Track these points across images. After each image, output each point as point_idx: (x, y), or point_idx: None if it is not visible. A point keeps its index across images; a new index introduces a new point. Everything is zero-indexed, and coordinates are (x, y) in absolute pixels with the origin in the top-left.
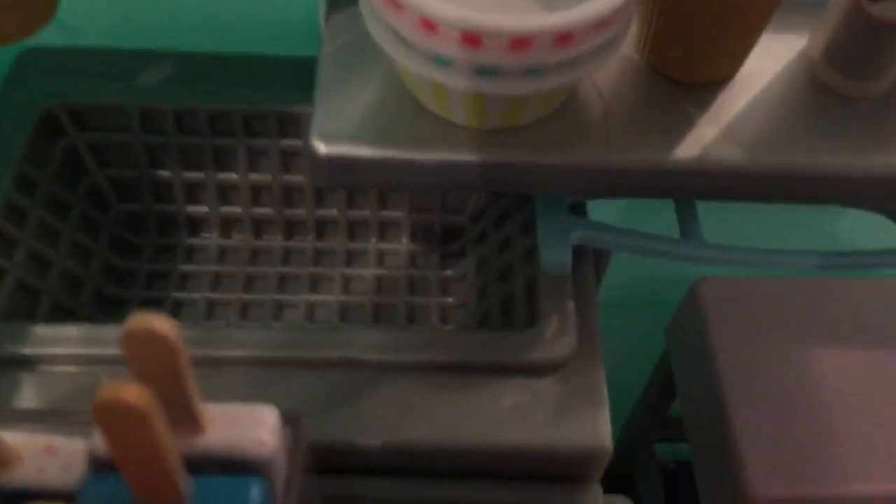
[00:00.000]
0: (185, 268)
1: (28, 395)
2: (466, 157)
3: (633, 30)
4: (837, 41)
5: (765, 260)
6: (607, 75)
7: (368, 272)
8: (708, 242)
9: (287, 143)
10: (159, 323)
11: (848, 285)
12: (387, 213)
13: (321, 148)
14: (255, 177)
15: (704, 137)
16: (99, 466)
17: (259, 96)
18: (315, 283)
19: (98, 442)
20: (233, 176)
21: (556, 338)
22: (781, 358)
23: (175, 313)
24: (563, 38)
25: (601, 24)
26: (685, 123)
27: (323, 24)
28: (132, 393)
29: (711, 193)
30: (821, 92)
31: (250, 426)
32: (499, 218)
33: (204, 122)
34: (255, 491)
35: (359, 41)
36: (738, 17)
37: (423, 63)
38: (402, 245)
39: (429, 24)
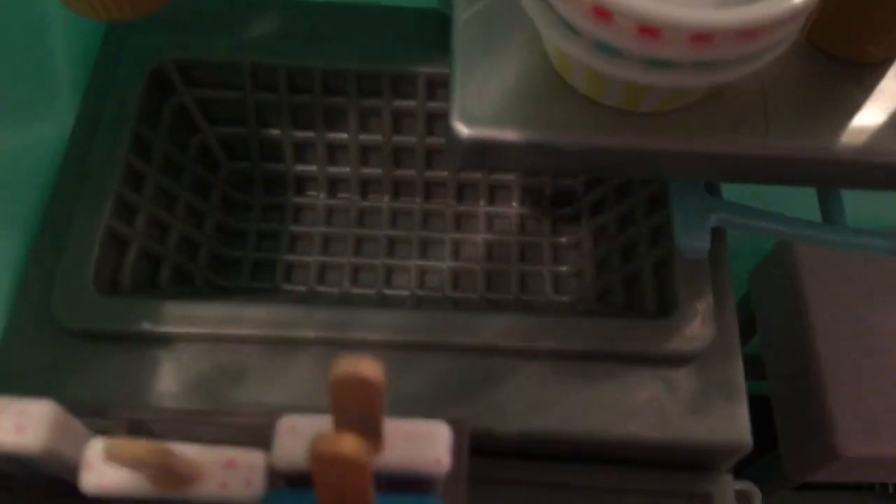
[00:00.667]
0: (294, 228)
1: (167, 375)
2: (617, 142)
3: None
4: None
5: None
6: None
7: (478, 237)
8: (853, 228)
9: (399, 103)
10: (367, 367)
11: None
12: (496, 177)
13: (463, 130)
14: (364, 137)
15: (872, 124)
16: (279, 480)
17: (373, 52)
18: (424, 248)
19: (279, 455)
20: (343, 136)
21: (696, 329)
22: (872, 316)
23: (287, 276)
24: (748, 34)
25: (786, 20)
26: (851, 108)
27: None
28: (350, 445)
29: (880, 184)
30: None
31: (427, 445)
32: (620, 188)
33: (317, 80)
34: None
35: (497, 5)
36: None
37: (587, 51)
38: (513, 209)
39: (602, 13)
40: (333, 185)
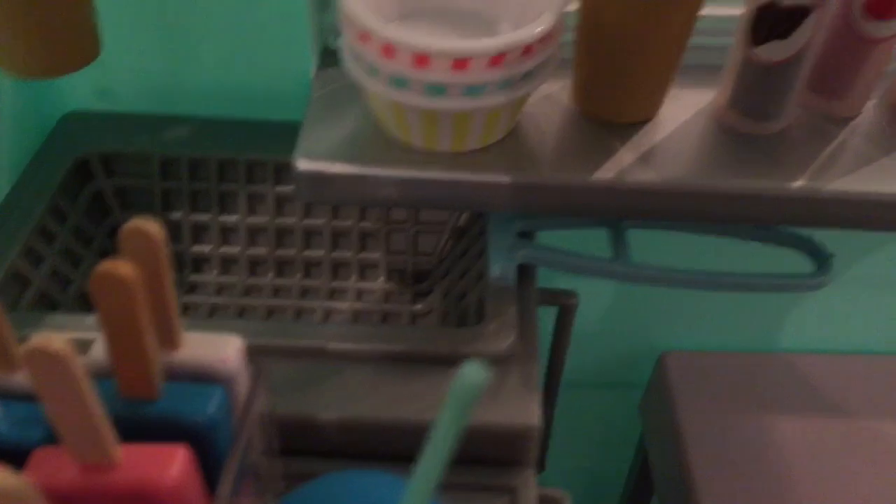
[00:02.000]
0: (186, 299)
1: None
2: (421, 174)
3: (570, 82)
4: (736, 86)
5: (681, 278)
6: (547, 119)
7: (347, 305)
8: (633, 262)
9: (281, 189)
10: (150, 226)
11: (805, 360)
12: (366, 255)
13: (303, 164)
14: (252, 219)
15: (625, 163)
16: None
17: (259, 150)
18: (299, 315)
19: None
20: (234, 218)
21: (497, 333)
22: (744, 428)
23: None
24: (497, 59)
25: (530, 46)
26: (610, 153)
27: (313, 76)
28: (125, 268)
29: (630, 211)
30: (726, 132)
31: (218, 347)
32: (460, 254)
33: (213, 169)
34: (217, 395)
35: (341, 89)
36: (650, 52)
37: (384, 85)
38: (378, 283)
39: (389, 50)
40: (226, 263)
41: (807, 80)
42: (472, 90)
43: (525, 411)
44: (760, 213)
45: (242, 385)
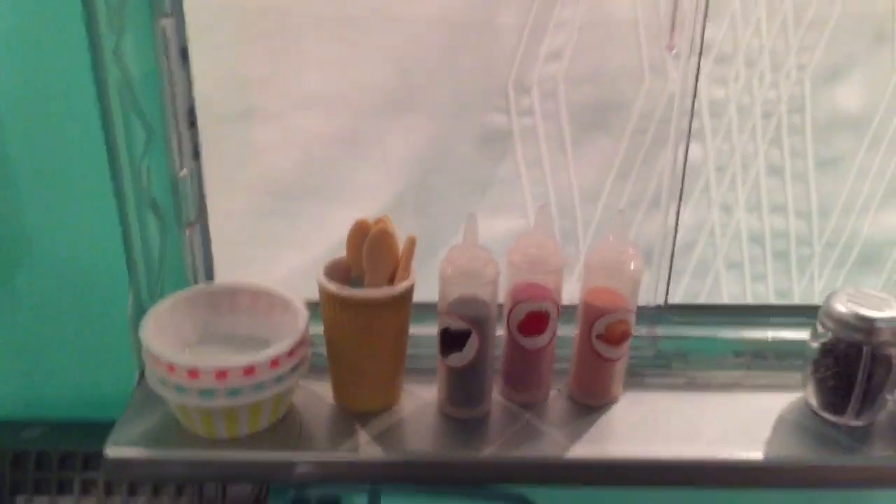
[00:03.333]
0: None
1: None
2: (203, 456)
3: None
4: (442, 384)
5: None
6: (313, 411)
7: None
8: None
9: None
10: None
11: None
12: None
13: (110, 452)
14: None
15: (362, 441)
16: None
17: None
18: None
19: None
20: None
21: None
22: None
23: None
24: (248, 370)
25: (276, 360)
26: (353, 435)
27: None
28: None
29: (377, 479)
30: (446, 417)
31: None
32: None
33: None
34: None
35: (150, 399)
36: (372, 358)
37: (176, 394)
38: None
39: (172, 368)
40: None
41: (504, 377)
42: (233, 392)
43: None
44: (472, 475)
45: None
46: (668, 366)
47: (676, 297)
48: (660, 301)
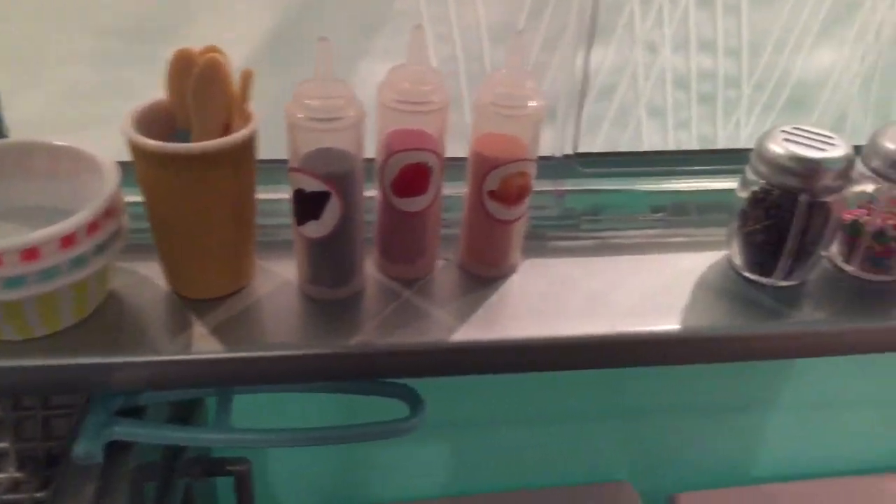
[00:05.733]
0: None
1: None
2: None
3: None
4: (300, 260)
5: (282, 438)
6: (142, 299)
7: None
8: (233, 428)
9: None
10: None
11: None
12: None
13: None
14: None
15: (200, 333)
16: None
17: None
18: None
19: None
20: None
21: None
22: None
23: None
24: (29, 253)
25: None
26: (188, 327)
27: None
28: None
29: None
30: (309, 300)
31: None
32: None
33: None
34: None
35: None
36: (208, 230)
37: None
38: (9, 473)
39: None
40: None
41: (379, 248)
42: (13, 283)
43: None
44: (342, 368)
45: None
46: (575, 226)
47: (592, 149)
48: (568, 150)
